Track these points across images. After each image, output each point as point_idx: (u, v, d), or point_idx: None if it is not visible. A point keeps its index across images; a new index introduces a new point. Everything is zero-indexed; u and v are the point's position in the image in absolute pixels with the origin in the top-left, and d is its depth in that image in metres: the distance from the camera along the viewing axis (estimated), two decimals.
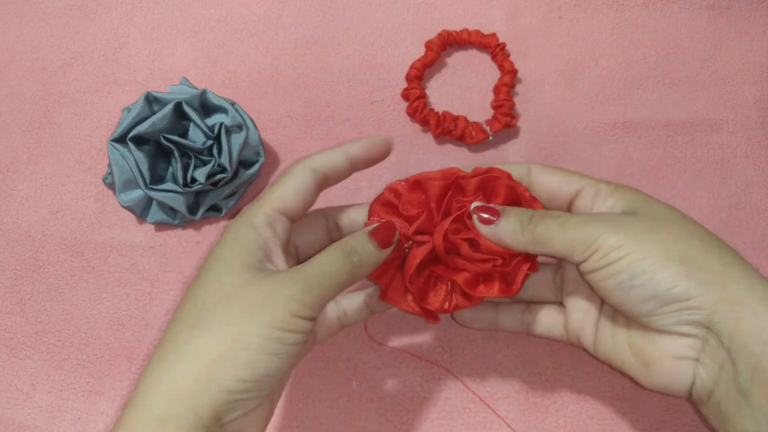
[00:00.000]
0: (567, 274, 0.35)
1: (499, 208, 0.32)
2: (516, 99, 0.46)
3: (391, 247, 0.31)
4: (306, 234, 0.34)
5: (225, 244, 0.29)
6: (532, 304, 0.37)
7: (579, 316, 0.34)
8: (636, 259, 0.28)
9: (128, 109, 0.43)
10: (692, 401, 0.30)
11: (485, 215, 0.31)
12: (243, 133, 0.42)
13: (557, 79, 0.47)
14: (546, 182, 0.34)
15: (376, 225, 0.32)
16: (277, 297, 0.27)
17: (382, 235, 0.31)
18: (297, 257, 0.34)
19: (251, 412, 0.27)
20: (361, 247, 0.30)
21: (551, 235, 0.30)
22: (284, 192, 0.31)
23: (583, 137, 0.46)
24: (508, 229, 0.31)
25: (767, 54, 0.47)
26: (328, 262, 0.29)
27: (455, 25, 0.48)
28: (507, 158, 0.45)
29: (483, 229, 0.32)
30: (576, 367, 0.41)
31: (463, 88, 0.47)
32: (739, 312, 0.27)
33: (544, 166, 0.34)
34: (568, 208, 0.34)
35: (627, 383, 0.40)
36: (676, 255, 0.28)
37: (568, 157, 0.45)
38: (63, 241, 0.45)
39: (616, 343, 0.32)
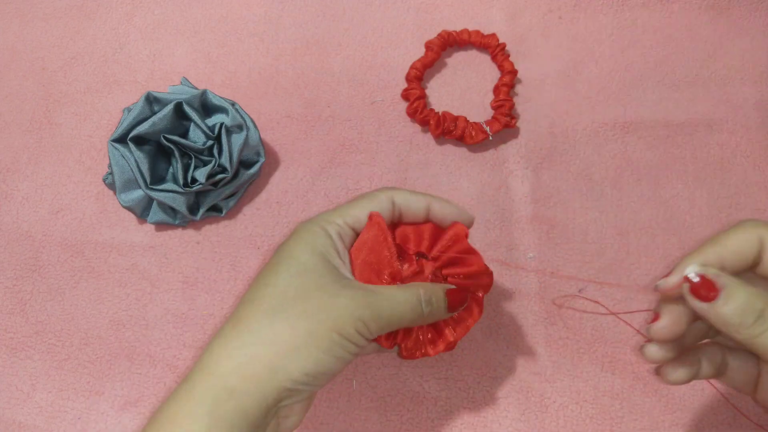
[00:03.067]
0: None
1: (720, 280, 0.27)
2: (516, 99, 0.46)
3: (454, 313, 0.32)
4: None
5: (299, 244, 0.30)
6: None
7: None
8: None
9: (128, 110, 0.43)
10: None
11: (701, 291, 0.27)
12: (243, 134, 0.42)
13: (557, 79, 0.47)
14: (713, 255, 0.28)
15: (454, 288, 0.32)
16: (349, 312, 0.28)
17: (456, 300, 0.32)
18: None
19: (299, 402, 0.29)
20: (435, 303, 0.31)
21: None
22: (361, 213, 0.32)
23: (582, 137, 0.46)
24: (731, 316, 0.26)
25: (767, 54, 0.47)
26: (403, 303, 0.30)
27: (455, 26, 0.48)
28: (507, 158, 0.45)
29: (696, 304, 0.27)
30: (576, 367, 0.41)
31: (463, 88, 0.47)
32: None
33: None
34: (753, 266, 0.29)
35: (627, 383, 0.40)
36: None
37: (568, 156, 0.45)
38: (63, 241, 0.45)
39: None
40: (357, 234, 0.32)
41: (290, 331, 0.28)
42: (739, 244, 0.28)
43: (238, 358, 0.28)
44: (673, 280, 0.28)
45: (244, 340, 0.28)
